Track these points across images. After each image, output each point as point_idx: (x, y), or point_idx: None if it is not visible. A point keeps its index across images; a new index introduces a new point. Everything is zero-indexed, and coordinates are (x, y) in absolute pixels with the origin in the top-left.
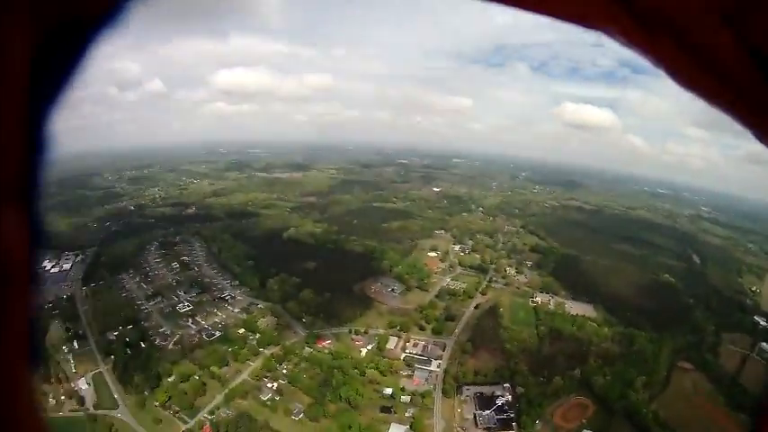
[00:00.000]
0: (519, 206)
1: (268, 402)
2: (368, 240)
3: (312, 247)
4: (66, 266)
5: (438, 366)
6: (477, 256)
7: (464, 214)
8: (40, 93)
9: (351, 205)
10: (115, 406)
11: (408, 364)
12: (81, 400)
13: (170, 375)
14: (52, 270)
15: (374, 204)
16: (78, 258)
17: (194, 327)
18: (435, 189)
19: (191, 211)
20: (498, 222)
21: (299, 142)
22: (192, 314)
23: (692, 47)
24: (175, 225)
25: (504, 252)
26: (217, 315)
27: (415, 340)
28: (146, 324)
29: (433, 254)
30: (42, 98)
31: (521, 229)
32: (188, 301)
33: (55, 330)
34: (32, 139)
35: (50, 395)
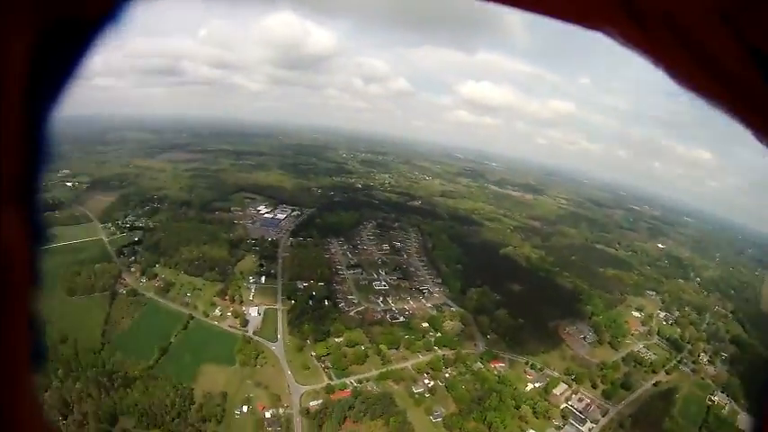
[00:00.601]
0: (736, 287)
1: (416, 395)
2: (580, 280)
3: (524, 270)
4: (281, 216)
5: (589, 430)
6: (678, 330)
7: (680, 281)
8: (40, 93)
9: (574, 240)
10: (274, 340)
11: (564, 415)
12: (245, 323)
13: (339, 336)
14: (265, 215)
15: (596, 245)
16: (294, 213)
17: (382, 305)
18: (660, 245)
19: (416, 203)
20: (711, 300)
21: (535, 164)
22: (385, 294)
23: (691, 46)
24: (397, 212)
25: (704, 334)
26: (408, 303)
27: (582, 395)
28: (337, 287)
29: (636, 314)
30: (42, 98)
31: (730, 314)
32: (386, 281)
33: (249, 261)
34: (32, 139)
35: (218, 307)
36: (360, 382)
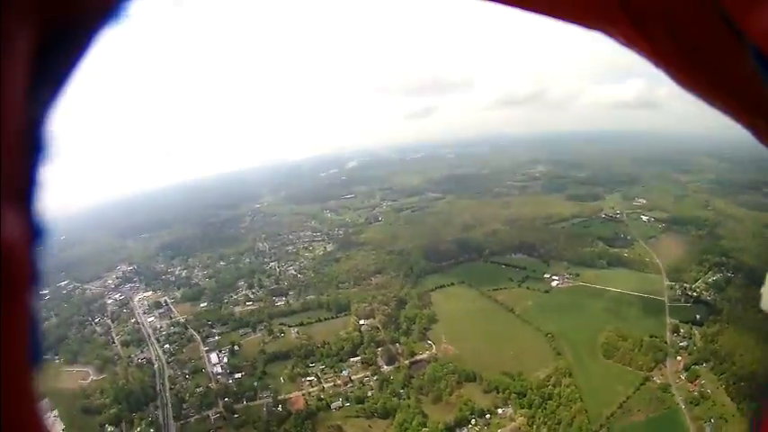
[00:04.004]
0: None
1: None
2: None
3: None
4: None
5: None
6: None
7: None
8: (40, 92)
9: None
10: None
11: None
12: None
13: None
14: None
15: None
16: None
17: None
18: None
19: None
20: None
21: None
22: None
23: (690, 47)
24: None
25: None
26: None
27: None
28: None
29: None
30: (42, 98)
31: None
32: None
33: None
34: (32, 139)
35: None
36: None
